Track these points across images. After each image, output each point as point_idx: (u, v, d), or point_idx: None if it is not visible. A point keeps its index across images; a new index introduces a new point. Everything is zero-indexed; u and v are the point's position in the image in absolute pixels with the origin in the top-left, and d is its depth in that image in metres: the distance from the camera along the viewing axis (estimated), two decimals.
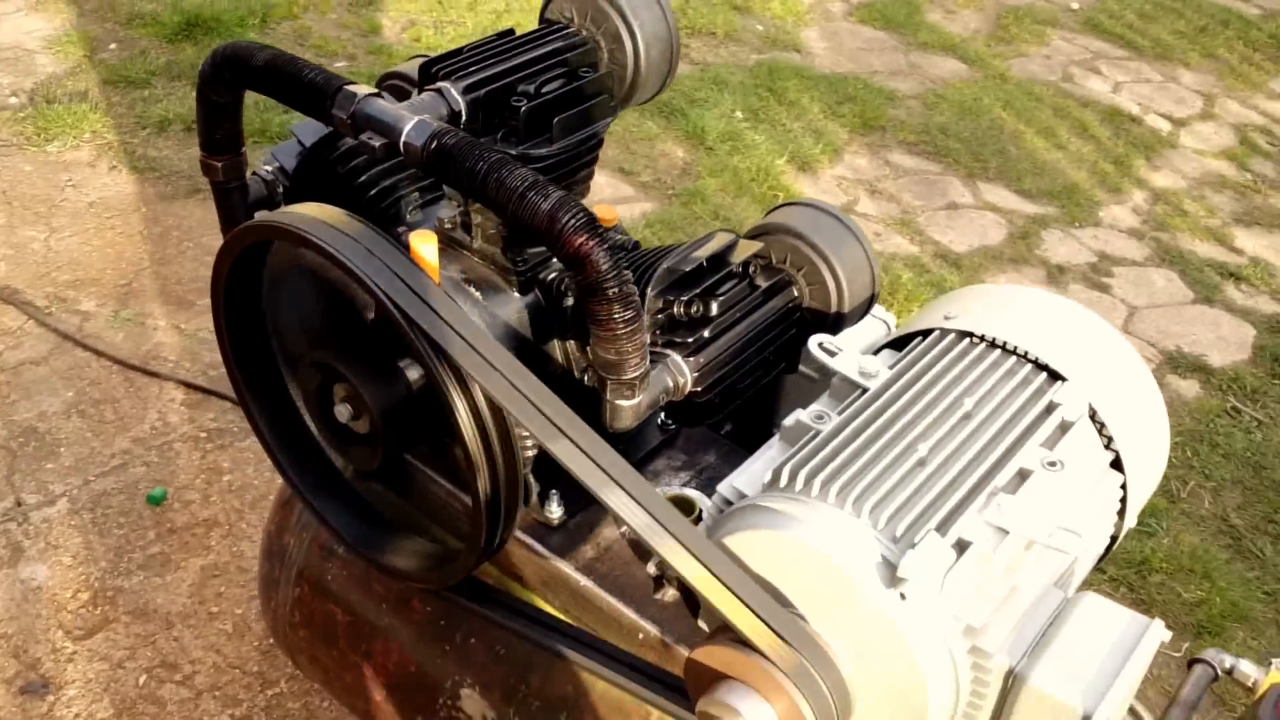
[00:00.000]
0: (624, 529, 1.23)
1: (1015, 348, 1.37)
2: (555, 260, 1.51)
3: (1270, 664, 1.47)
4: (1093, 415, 1.34)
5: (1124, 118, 5.15)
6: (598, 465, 1.17)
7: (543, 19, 1.54)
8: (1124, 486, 1.35)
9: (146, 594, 2.50)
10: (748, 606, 1.14)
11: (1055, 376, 1.35)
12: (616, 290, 1.18)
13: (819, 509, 1.17)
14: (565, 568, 1.55)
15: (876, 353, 1.44)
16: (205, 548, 2.63)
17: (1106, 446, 1.35)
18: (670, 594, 1.52)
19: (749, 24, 5.51)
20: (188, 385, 3.05)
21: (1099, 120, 5.10)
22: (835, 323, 1.51)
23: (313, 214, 1.31)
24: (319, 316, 1.47)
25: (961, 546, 1.14)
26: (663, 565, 1.52)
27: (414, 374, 1.41)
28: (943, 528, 1.15)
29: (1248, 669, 1.47)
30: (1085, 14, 6.14)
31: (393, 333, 1.35)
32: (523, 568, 1.60)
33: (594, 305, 1.20)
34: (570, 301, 1.48)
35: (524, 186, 1.18)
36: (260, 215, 1.36)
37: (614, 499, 1.17)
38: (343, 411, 1.44)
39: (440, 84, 1.35)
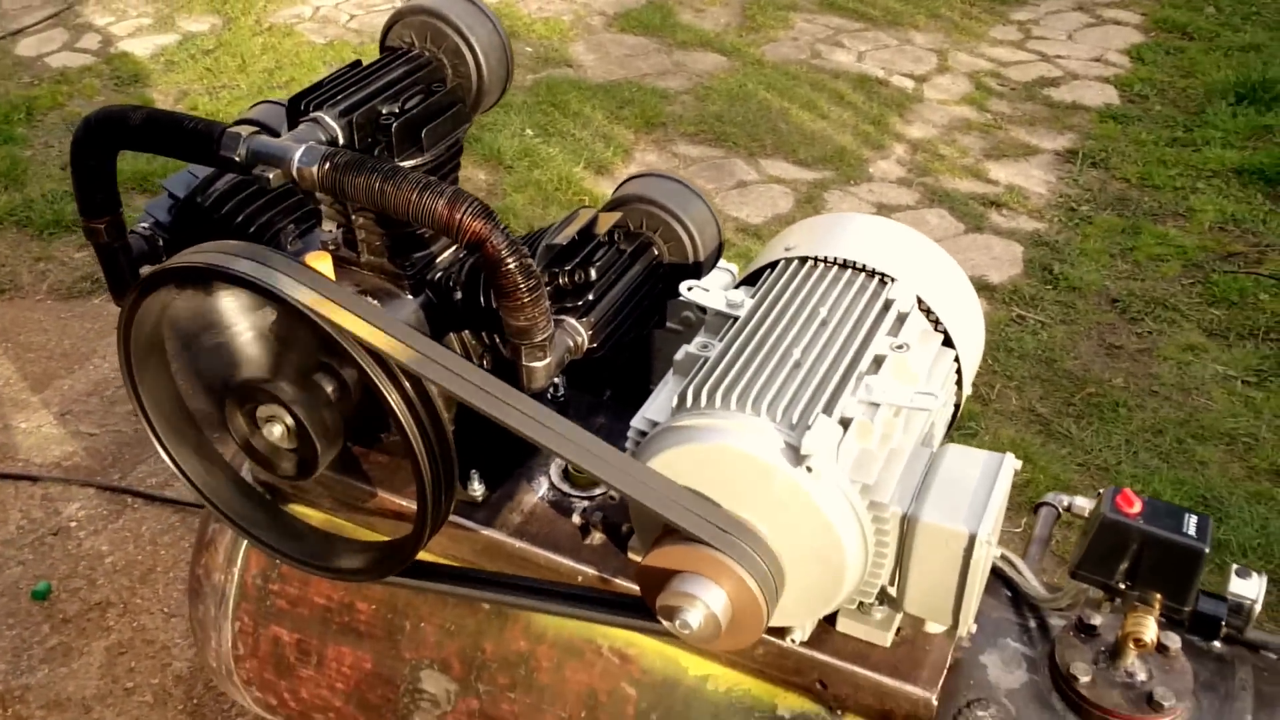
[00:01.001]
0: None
1: (849, 261, 1.61)
2: (438, 261, 1.67)
3: (1098, 494, 1.75)
4: (921, 304, 1.59)
5: (872, 82, 5.63)
6: (540, 423, 1.33)
7: (384, 47, 1.69)
8: (956, 359, 1.61)
9: (56, 685, 2.48)
10: (686, 508, 1.33)
11: (885, 279, 1.60)
12: (517, 263, 1.35)
13: (727, 417, 1.38)
14: (499, 535, 1.70)
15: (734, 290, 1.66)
16: (104, 629, 2.62)
17: (935, 328, 1.61)
18: (597, 538, 1.70)
19: (519, 47, 5.72)
20: (40, 479, 3.01)
21: (851, 88, 5.56)
22: (694, 271, 1.73)
23: (215, 249, 1.42)
24: (230, 347, 1.58)
25: (845, 423, 1.37)
26: (586, 514, 1.70)
27: (329, 385, 1.54)
28: (828, 410, 1.37)
29: (1082, 502, 1.76)
30: None
31: (309, 345, 1.47)
32: (458, 546, 1.74)
33: (500, 280, 1.36)
34: (459, 295, 1.64)
35: (418, 188, 1.34)
36: (158, 266, 1.45)
37: (564, 448, 1.34)
38: (273, 430, 1.55)
39: (314, 114, 1.48)
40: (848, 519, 1.35)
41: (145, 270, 1.72)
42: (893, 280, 1.60)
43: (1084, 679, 1.51)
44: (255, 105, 1.88)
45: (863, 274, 1.61)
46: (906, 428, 1.45)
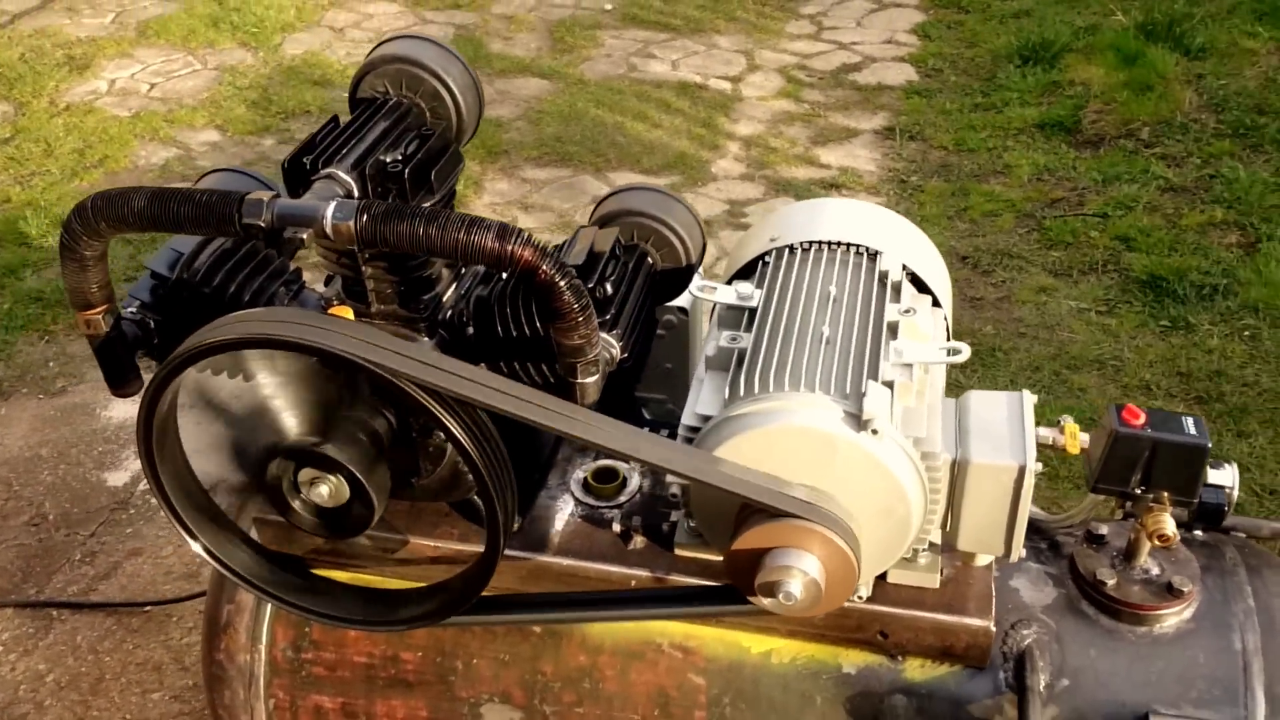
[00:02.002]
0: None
1: (836, 242, 1.73)
2: (445, 300, 1.69)
3: (1059, 422, 1.88)
4: (905, 271, 1.73)
5: (693, 87, 5.84)
6: (612, 433, 1.39)
7: (357, 101, 1.70)
8: (945, 316, 1.75)
9: None
10: (768, 488, 1.41)
11: (872, 253, 1.73)
12: (569, 286, 1.40)
13: (783, 399, 1.46)
14: (544, 558, 1.73)
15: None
16: None
17: (921, 291, 1.74)
18: (639, 541, 1.76)
19: (336, 94, 5.64)
20: None
21: (675, 95, 5.75)
22: (687, 274, 1.81)
23: (259, 316, 1.41)
24: (265, 414, 1.55)
25: (889, 385, 1.48)
26: (624, 521, 1.76)
27: (374, 435, 1.54)
28: (871, 377, 1.48)
29: (1044, 431, 1.92)
30: (620, 11, 6.82)
31: (356, 399, 1.48)
32: (502, 577, 1.75)
33: (554, 303, 1.41)
34: (471, 329, 1.66)
35: (464, 226, 1.37)
36: (197, 343, 1.42)
37: (640, 452, 1.39)
38: (320, 492, 1.54)
39: (326, 171, 1.49)
40: (910, 473, 1.46)
41: (143, 354, 1.68)
42: (879, 253, 1.72)
43: (1110, 582, 1.67)
44: (204, 177, 1.84)
45: (852, 252, 1.73)
46: (933, 383, 1.57)
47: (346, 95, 1.74)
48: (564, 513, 1.80)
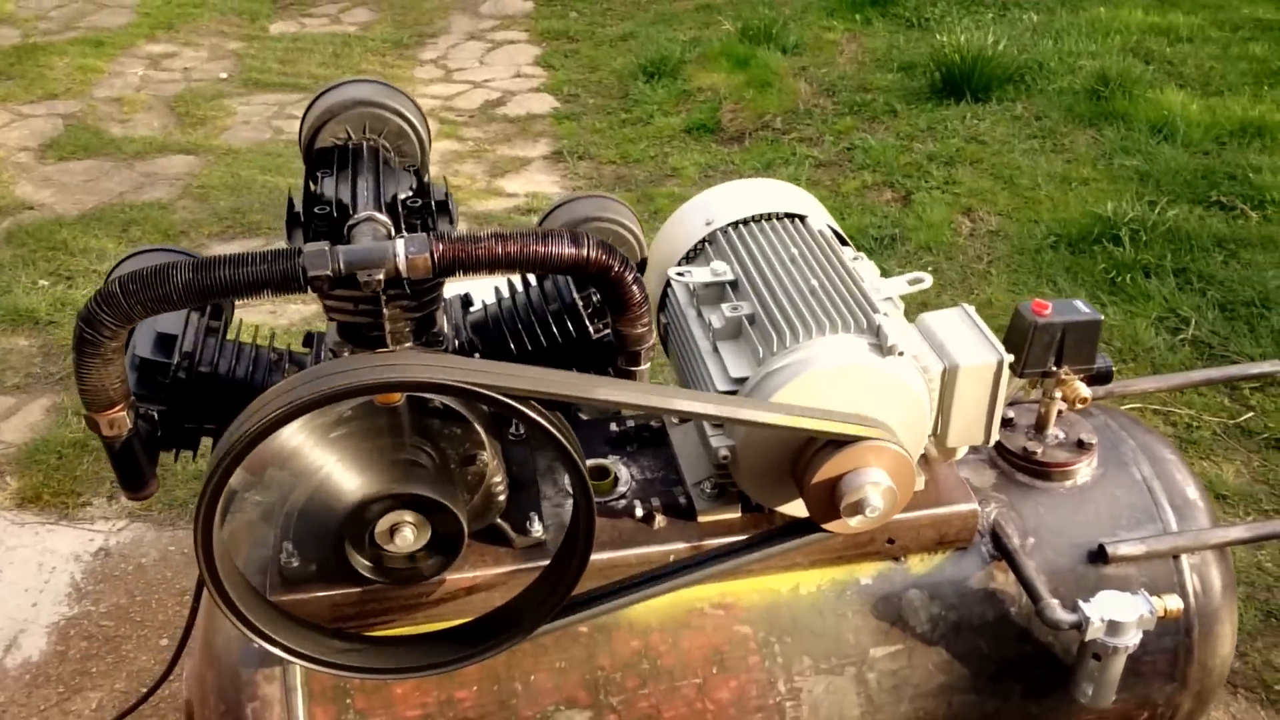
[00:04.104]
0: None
1: (765, 215, 1.94)
2: (446, 332, 1.71)
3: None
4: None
5: None
6: (681, 399, 1.51)
7: (315, 152, 1.67)
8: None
9: None
10: (833, 419, 1.59)
11: (798, 217, 1.96)
12: (635, 281, 1.51)
13: (810, 346, 1.65)
14: None
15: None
16: None
17: (843, 243, 2.00)
18: (660, 520, 1.87)
19: None
20: None
21: None
22: (643, 266, 1.94)
23: (337, 369, 1.38)
24: (331, 476, 1.51)
25: (887, 315, 1.72)
26: (643, 504, 1.86)
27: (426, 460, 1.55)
28: (866, 312, 1.71)
29: None
30: (239, 78, 6.60)
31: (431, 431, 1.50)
32: None
33: (624, 297, 1.51)
34: (479, 354, 1.70)
35: (538, 239, 1.43)
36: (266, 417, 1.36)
37: (720, 411, 1.52)
38: (405, 537, 1.52)
39: (364, 214, 1.47)
40: (922, 386, 1.71)
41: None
42: (805, 217, 1.96)
43: (1037, 451, 2.02)
44: (123, 261, 1.72)
45: (785, 220, 1.95)
46: (901, 309, 1.83)
47: None
48: None
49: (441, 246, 1.41)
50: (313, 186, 1.55)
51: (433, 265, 1.41)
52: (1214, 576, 1.99)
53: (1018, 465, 2.03)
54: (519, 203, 5.18)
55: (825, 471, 1.61)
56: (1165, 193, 4.42)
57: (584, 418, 2.18)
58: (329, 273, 1.39)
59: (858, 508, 1.61)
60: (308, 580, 1.70)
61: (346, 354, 1.62)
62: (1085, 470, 2.03)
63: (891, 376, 1.65)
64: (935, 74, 5.49)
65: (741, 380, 1.68)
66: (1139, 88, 5.21)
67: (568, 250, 1.44)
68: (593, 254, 1.45)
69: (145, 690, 2.37)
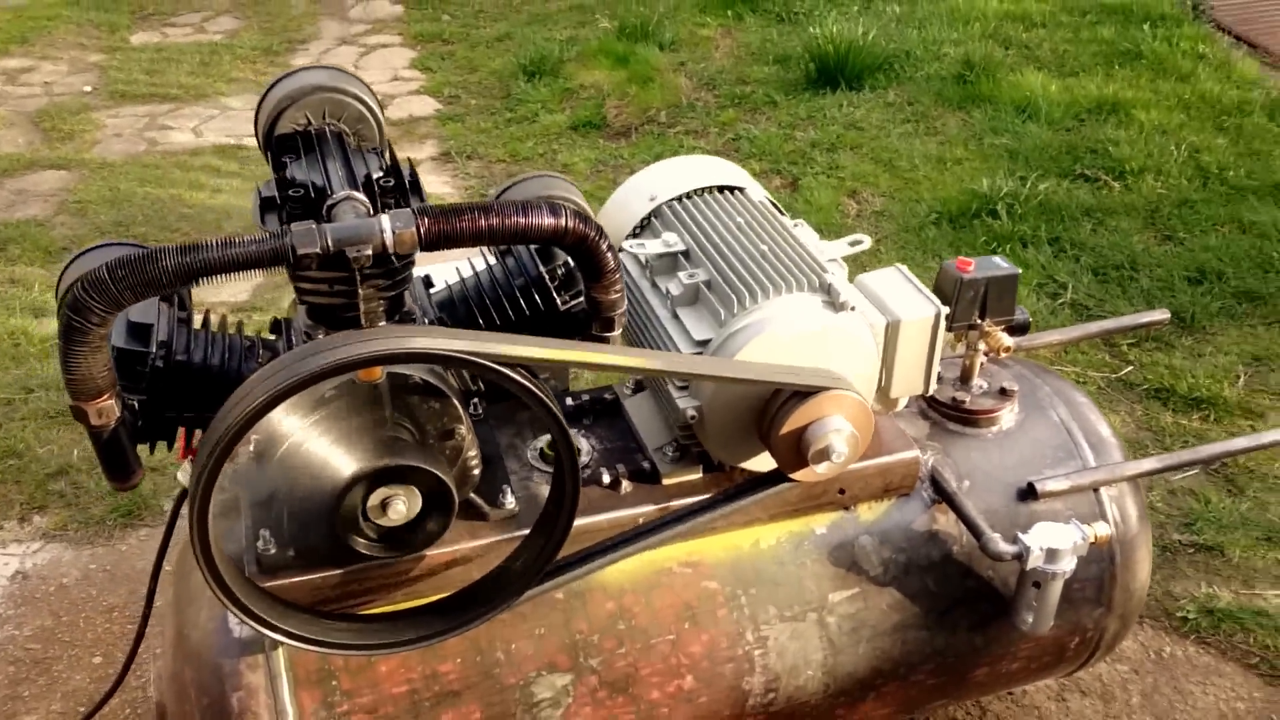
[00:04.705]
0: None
1: (706, 188, 2.03)
2: (413, 310, 1.75)
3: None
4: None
5: (232, 149, 5.67)
6: (680, 362, 1.58)
7: (274, 139, 1.68)
8: None
9: None
10: (797, 374, 1.69)
11: (736, 189, 2.05)
12: (609, 249, 1.57)
13: (768, 306, 1.74)
14: None
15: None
16: None
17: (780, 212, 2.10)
18: (626, 485, 1.94)
19: None
20: None
21: (219, 158, 5.54)
22: None
23: (340, 342, 1.41)
24: (323, 452, 1.53)
25: (833, 275, 1.82)
26: (609, 471, 1.92)
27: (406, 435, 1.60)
28: (815, 272, 1.81)
29: None
30: (105, 91, 6.38)
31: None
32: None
33: (600, 264, 1.57)
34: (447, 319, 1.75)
35: (518, 211, 1.48)
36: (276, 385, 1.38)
37: (693, 369, 1.60)
38: (396, 509, 1.56)
39: (343, 194, 1.50)
40: (870, 339, 1.82)
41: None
42: (743, 188, 2.05)
43: (965, 400, 2.16)
44: (74, 261, 1.70)
45: (725, 192, 2.04)
46: (843, 269, 1.94)
47: None
48: (544, 486, 1.92)
49: (427, 221, 1.45)
50: (285, 172, 1.57)
51: (419, 239, 1.45)
52: (1130, 507, 2.16)
53: (948, 415, 2.17)
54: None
55: (792, 422, 1.70)
56: (1034, 168, 4.69)
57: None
58: (318, 250, 1.41)
59: (824, 454, 1.71)
60: (286, 566, 1.71)
61: (321, 336, 1.64)
62: (1009, 416, 2.18)
63: (845, 331, 1.76)
64: (810, 65, 5.69)
65: (704, 342, 1.76)
66: (1001, 71, 5.50)
67: (547, 221, 1.49)
68: (570, 223, 1.51)
69: (99, 700, 2.32)
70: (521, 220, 1.48)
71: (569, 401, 2.08)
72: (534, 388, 1.47)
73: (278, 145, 1.67)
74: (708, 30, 6.59)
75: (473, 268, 1.84)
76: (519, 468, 1.96)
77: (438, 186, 5.33)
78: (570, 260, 1.80)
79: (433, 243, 1.46)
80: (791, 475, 1.78)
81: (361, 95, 1.73)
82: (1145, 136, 4.88)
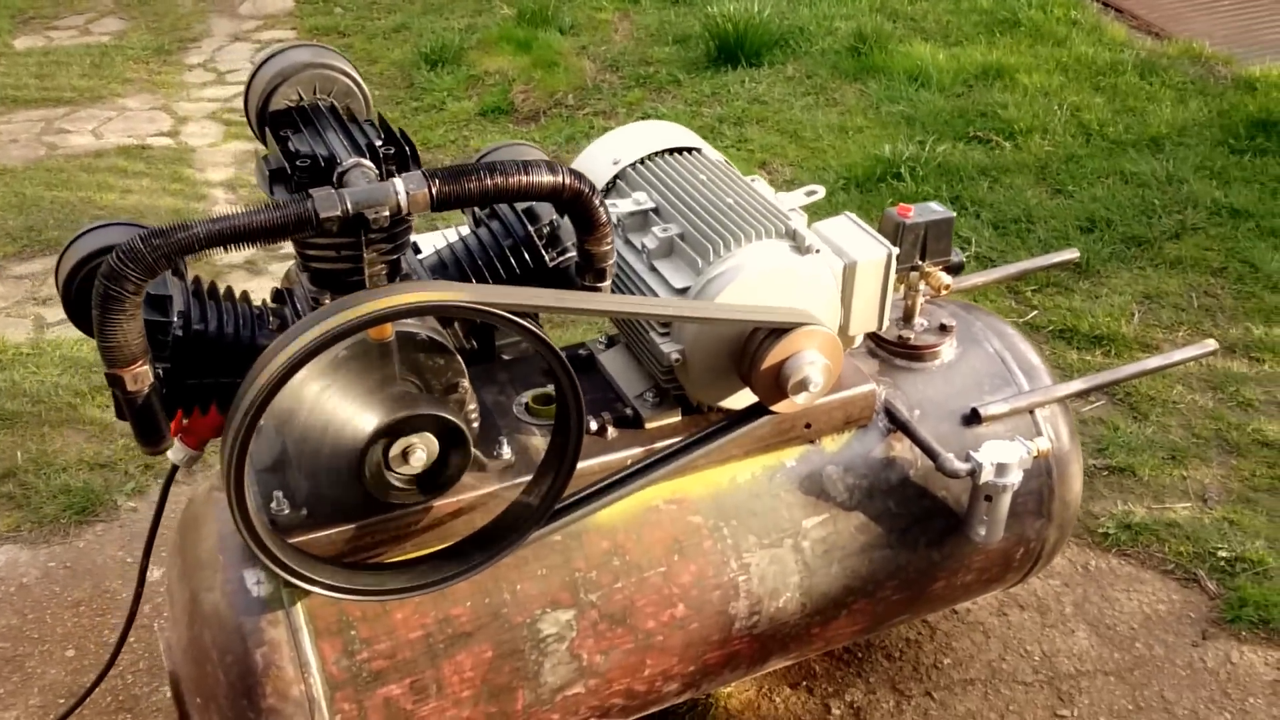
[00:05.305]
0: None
1: (665, 150, 2.16)
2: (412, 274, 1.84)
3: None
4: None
5: (136, 150, 5.59)
6: (669, 306, 1.71)
7: (269, 116, 1.76)
8: None
9: None
10: (773, 312, 1.84)
11: (693, 149, 2.18)
12: (601, 204, 1.69)
13: (739, 254, 1.89)
14: None
15: None
16: None
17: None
18: (612, 431, 2.07)
19: None
20: None
21: (124, 160, 5.45)
22: None
23: (358, 301, 1.50)
24: (347, 407, 1.62)
25: (795, 220, 1.97)
26: (597, 419, 2.05)
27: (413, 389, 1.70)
28: (779, 220, 1.96)
29: None
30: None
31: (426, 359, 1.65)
32: None
33: (592, 218, 1.69)
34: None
35: (520, 169, 1.59)
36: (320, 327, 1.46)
37: (676, 310, 1.73)
38: (417, 457, 1.66)
39: (352, 161, 1.59)
40: (832, 280, 1.98)
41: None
42: (698, 149, 2.19)
43: (911, 337, 2.34)
44: (74, 242, 1.76)
45: (683, 153, 2.17)
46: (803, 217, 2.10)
47: None
48: (534, 437, 2.04)
49: (438, 182, 1.55)
50: (289, 145, 1.65)
51: (431, 199, 1.55)
52: (1062, 425, 2.37)
53: (894, 352, 2.35)
54: None
55: (772, 358, 1.85)
56: (930, 132, 4.94)
57: (506, 358, 2.34)
58: (339, 213, 1.50)
59: (802, 385, 1.86)
60: (300, 525, 1.79)
61: (327, 301, 1.73)
62: (949, 350, 2.37)
63: (811, 273, 1.92)
64: (710, 44, 5.86)
65: (684, 290, 1.90)
66: (891, 43, 5.75)
67: (548, 178, 1.61)
68: (568, 180, 1.63)
69: (89, 684, 2.35)
70: (525, 179, 1.59)
71: None
72: (544, 336, 1.59)
73: (273, 120, 1.75)
74: (605, 14, 6.71)
75: (457, 232, 1.94)
76: (506, 422, 2.06)
77: None
78: (554, 220, 1.92)
79: (444, 202, 1.56)
80: (771, 407, 1.93)
81: (348, 70, 1.81)
82: (1030, 99, 5.18)
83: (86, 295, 1.71)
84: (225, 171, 5.43)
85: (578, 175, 1.65)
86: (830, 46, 5.91)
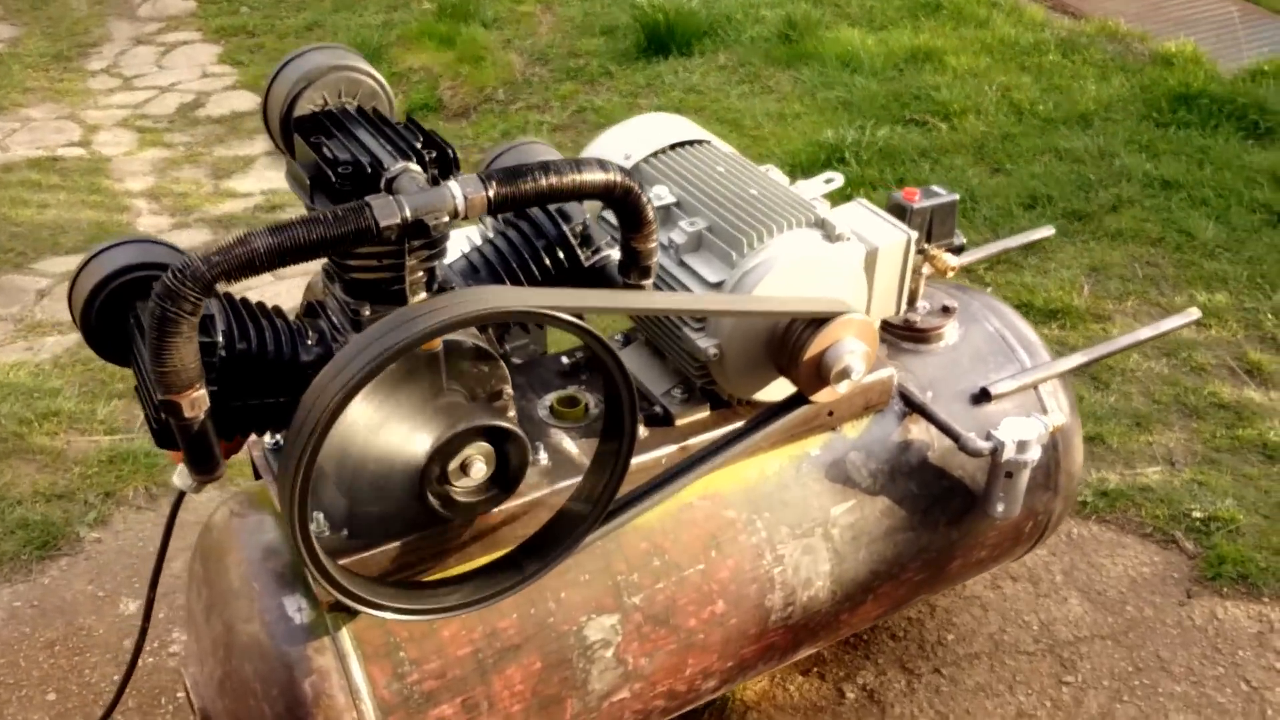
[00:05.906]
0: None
1: (676, 144, 2.14)
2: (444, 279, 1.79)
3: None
4: None
5: (47, 161, 5.33)
6: (717, 302, 1.70)
7: (293, 121, 1.68)
8: None
9: None
10: (814, 303, 1.83)
11: (705, 142, 2.16)
12: (647, 199, 1.66)
13: (771, 246, 1.88)
14: None
15: None
16: None
17: None
18: (644, 431, 2.04)
19: None
20: None
21: (36, 172, 5.20)
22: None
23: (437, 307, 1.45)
24: (410, 424, 1.56)
25: (821, 209, 1.97)
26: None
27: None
28: (805, 209, 1.95)
29: None
30: None
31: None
32: None
33: (640, 216, 1.65)
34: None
35: (573, 168, 1.56)
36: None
37: (724, 306, 1.72)
38: (478, 468, 1.61)
39: (400, 166, 1.53)
40: (860, 266, 1.98)
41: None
42: (708, 141, 2.17)
43: (916, 319, 2.36)
44: (89, 262, 1.66)
45: (695, 145, 2.15)
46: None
47: None
48: (565, 441, 2.00)
49: (495, 184, 1.50)
50: (325, 151, 1.58)
51: (489, 203, 1.50)
52: (1064, 399, 2.42)
53: (901, 335, 2.36)
54: (257, 201, 5.01)
55: (813, 348, 1.85)
56: (868, 116, 5.00)
57: (517, 361, 2.30)
58: (398, 221, 1.45)
59: (845, 373, 1.86)
60: (345, 548, 1.73)
61: (367, 312, 1.67)
62: (952, 331, 2.40)
63: (843, 260, 1.92)
64: (640, 34, 5.83)
65: (718, 284, 1.88)
66: (820, 29, 5.80)
67: (600, 176, 1.57)
68: (618, 178, 1.60)
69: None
70: (578, 177, 1.55)
71: (564, 360, 2.16)
72: (604, 339, 1.56)
73: (300, 126, 1.67)
74: (527, 6, 6.63)
75: (484, 235, 1.89)
76: (534, 427, 2.02)
77: (278, 182, 5.19)
78: (585, 220, 1.88)
79: (501, 204, 1.52)
80: (811, 398, 1.92)
81: (371, 71, 1.74)
82: (960, 80, 5.28)
83: (109, 319, 1.62)
84: (145, 180, 5.22)
85: (626, 172, 1.62)
86: (759, 34, 5.94)
